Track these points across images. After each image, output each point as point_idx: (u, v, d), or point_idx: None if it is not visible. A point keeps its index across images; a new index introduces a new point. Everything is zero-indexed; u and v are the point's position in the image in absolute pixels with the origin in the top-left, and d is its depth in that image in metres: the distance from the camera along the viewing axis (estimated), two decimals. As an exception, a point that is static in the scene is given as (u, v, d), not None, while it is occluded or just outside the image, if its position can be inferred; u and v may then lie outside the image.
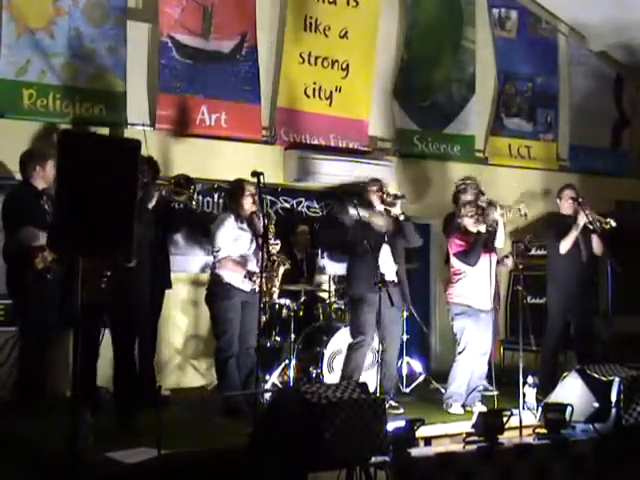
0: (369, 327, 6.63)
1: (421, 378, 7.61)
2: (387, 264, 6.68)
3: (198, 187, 7.59)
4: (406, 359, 7.53)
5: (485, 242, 6.80)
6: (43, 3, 7.05)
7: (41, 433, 5.28)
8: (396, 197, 6.82)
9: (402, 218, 6.75)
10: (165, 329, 6.95)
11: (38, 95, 7.00)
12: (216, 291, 6.50)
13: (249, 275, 6.41)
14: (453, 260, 6.88)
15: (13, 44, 6.90)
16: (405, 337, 7.49)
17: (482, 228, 6.77)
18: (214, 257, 6.53)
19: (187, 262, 7.56)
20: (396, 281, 6.72)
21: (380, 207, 6.80)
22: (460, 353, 6.80)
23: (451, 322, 6.92)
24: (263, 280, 5.97)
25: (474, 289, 6.79)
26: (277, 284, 6.69)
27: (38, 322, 6.15)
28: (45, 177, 6.31)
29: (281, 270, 6.72)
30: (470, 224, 6.83)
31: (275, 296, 6.74)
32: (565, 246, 7.18)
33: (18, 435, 5.41)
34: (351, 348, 6.73)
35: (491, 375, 6.87)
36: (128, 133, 7.19)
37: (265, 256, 6.05)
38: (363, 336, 6.65)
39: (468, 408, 6.72)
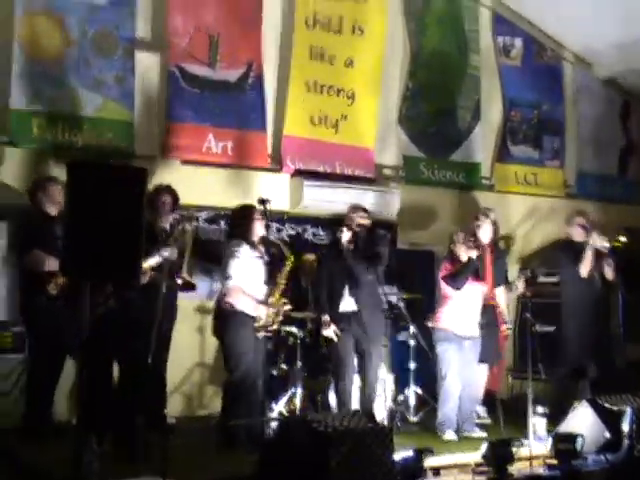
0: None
1: (428, 407, 7.59)
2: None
3: (203, 214, 7.75)
4: (413, 388, 7.52)
5: (476, 271, 6.91)
6: (53, 34, 7.16)
7: (47, 460, 5.28)
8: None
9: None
10: (170, 356, 6.93)
11: (47, 124, 7.09)
12: (228, 321, 6.33)
13: (257, 306, 6.32)
14: (441, 284, 7.04)
15: (24, 74, 7.01)
16: (412, 365, 7.51)
17: (473, 254, 6.86)
18: (224, 285, 6.43)
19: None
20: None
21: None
22: (443, 379, 6.91)
23: (435, 347, 7.04)
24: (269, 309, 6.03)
25: (459, 315, 6.91)
26: (277, 322, 6.50)
27: (49, 348, 6.21)
28: (55, 203, 6.38)
29: (285, 307, 6.56)
30: (462, 250, 6.97)
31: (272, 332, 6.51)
32: (585, 268, 7.24)
33: (24, 461, 5.41)
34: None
35: (491, 403, 6.90)
36: (136, 162, 7.23)
37: (274, 285, 6.11)
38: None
39: (466, 434, 6.77)
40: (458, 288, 6.88)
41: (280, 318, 6.46)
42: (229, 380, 6.35)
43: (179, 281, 6.63)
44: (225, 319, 6.38)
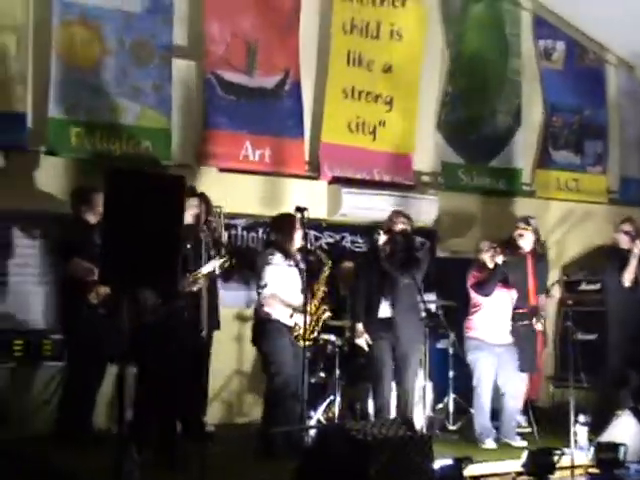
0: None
1: (468, 415, 7.56)
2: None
3: (242, 222, 7.83)
4: (452, 396, 7.52)
5: (505, 277, 6.96)
6: (90, 43, 7.25)
7: (87, 469, 5.36)
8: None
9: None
10: (211, 364, 6.98)
11: (86, 133, 7.18)
12: (265, 330, 6.42)
13: (293, 315, 6.38)
14: (470, 292, 7.09)
15: (62, 83, 7.10)
16: (451, 373, 7.53)
17: (499, 260, 6.87)
18: (259, 294, 6.52)
19: (231, 297, 7.60)
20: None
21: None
22: (474, 388, 6.98)
23: (466, 356, 7.09)
24: (306, 318, 6.09)
25: (489, 323, 6.96)
26: (317, 329, 6.57)
27: (89, 357, 6.32)
28: (95, 211, 6.49)
29: (324, 316, 6.65)
30: (487, 258, 7.02)
31: (311, 341, 6.53)
32: (629, 277, 7.24)
33: (64, 470, 5.49)
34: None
35: (529, 412, 6.89)
36: (173, 170, 7.31)
37: (310, 295, 6.16)
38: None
39: (507, 441, 6.77)
40: (487, 295, 6.95)
41: (319, 326, 6.52)
42: (269, 388, 6.42)
43: None
44: (262, 328, 6.48)
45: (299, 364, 6.23)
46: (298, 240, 6.51)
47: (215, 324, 6.81)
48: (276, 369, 6.33)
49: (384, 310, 6.77)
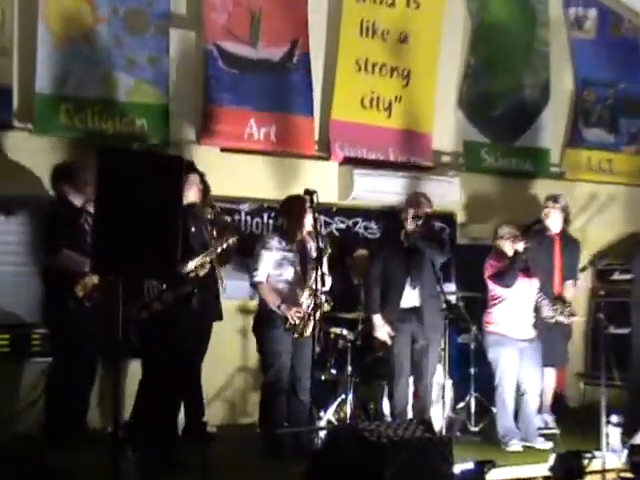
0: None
1: (490, 415, 7.57)
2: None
3: (245, 207, 7.83)
4: (473, 394, 7.51)
5: (525, 265, 6.92)
6: (81, 11, 7.22)
7: (82, 469, 5.38)
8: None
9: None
10: (211, 360, 7.01)
11: (76, 110, 7.17)
12: (261, 319, 6.56)
13: (281, 306, 6.39)
14: (488, 284, 7.05)
15: (50, 56, 7.08)
16: (473, 370, 7.52)
17: (520, 247, 6.83)
18: (250, 280, 6.59)
19: (234, 288, 7.43)
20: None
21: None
22: (496, 387, 6.97)
23: (486, 352, 7.08)
24: (306, 312, 6.19)
25: (511, 316, 6.94)
26: (311, 323, 6.39)
27: (77, 354, 6.35)
28: (81, 192, 6.50)
29: (323, 308, 6.55)
30: (506, 245, 6.97)
31: (308, 333, 6.41)
32: None
33: (59, 470, 5.51)
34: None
35: (557, 410, 6.89)
36: (172, 149, 7.34)
37: (317, 285, 6.10)
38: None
39: (529, 444, 6.81)
40: (508, 286, 6.90)
41: (314, 319, 6.41)
42: (263, 381, 6.58)
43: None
44: (258, 316, 6.64)
45: (302, 358, 6.33)
46: (307, 224, 6.54)
47: (217, 314, 6.82)
48: (267, 360, 6.48)
49: (410, 299, 6.78)
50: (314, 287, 6.21)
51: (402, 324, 6.76)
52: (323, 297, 6.49)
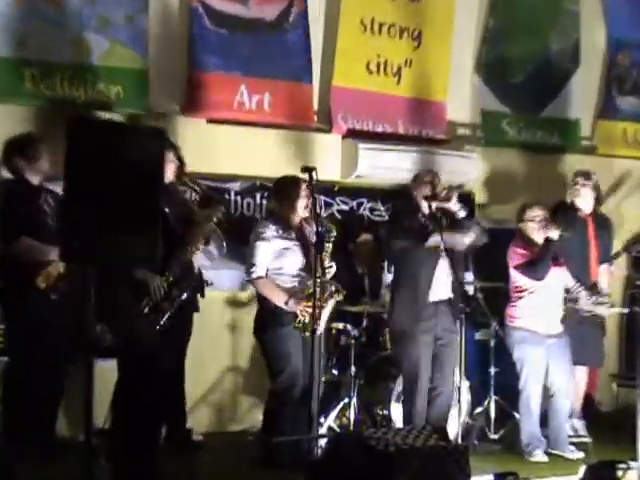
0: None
1: (513, 421, 7.58)
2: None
3: (235, 186, 7.80)
4: (494, 398, 7.52)
5: (555, 253, 6.89)
6: (47, -37, 7.18)
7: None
8: (450, 189, 6.76)
9: (461, 215, 6.72)
10: (196, 359, 7.02)
11: (42, 75, 7.12)
12: (264, 319, 6.50)
13: (289, 301, 6.35)
14: (513, 274, 7.00)
15: (11, 15, 7.00)
16: (493, 370, 7.53)
17: (553, 235, 6.79)
18: (247, 276, 6.57)
19: (221, 277, 7.56)
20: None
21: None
22: (522, 389, 6.95)
23: (510, 350, 7.05)
24: (310, 308, 6.12)
25: (539, 310, 6.90)
26: (324, 318, 6.45)
27: (38, 352, 6.24)
28: (38, 168, 6.40)
29: (332, 302, 6.56)
30: (535, 231, 6.92)
31: (318, 332, 6.30)
32: None
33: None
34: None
35: (588, 415, 6.90)
36: (152, 120, 7.28)
37: (318, 274, 6.08)
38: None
39: (559, 453, 6.83)
40: (539, 279, 6.85)
41: (327, 313, 6.47)
42: (271, 389, 6.50)
43: None
44: (262, 315, 6.55)
45: (311, 360, 6.20)
46: (302, 209, 6.53)
47: (194, 306, 6.78)
48: (277, 366, 6.39)
49: (439, 290, 6.67)
50: (322, 277, 6.22)
51: (429, 321, 6.66)
52: (333, 287, 6.50)
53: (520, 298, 7.02)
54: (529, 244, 6.99)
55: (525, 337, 6.95)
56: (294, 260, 6.48)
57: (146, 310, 5.89)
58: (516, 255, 6.98)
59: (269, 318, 6.45)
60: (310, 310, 6.22)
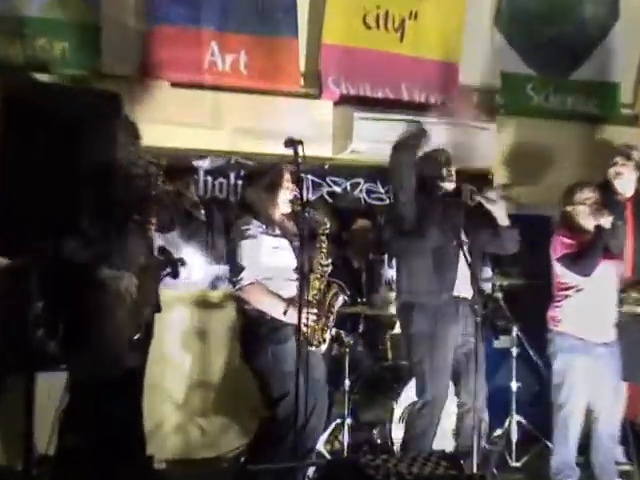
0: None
1: (538, 446, 7.61)
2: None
3: (205, 163, 7.84)
4: (516, 418, 7.55)
5: (606, 244, 6.83)
6: None
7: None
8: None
9: (504, 224, 6.76)
10: (158, 373, 7.03)
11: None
12: (255, 334, 6.37)
13: (289, 310, 6.24)
14: (557, 268, 6.94)
15: None
16: (515, 385, 7.55)
17: (605, 222, 6.78)
18: (235, 284, 6.43)
19: (186, 274, 7.49)
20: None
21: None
22: (561, 407, 6.87)
23: (551, 360, 7.00)
24: (307, 314, 6.05)
25: (588, 313, 6.82)
26: (331, 324, 6.44)
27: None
28: None
29: (339, 302, 6.53)
30: (585, 216, 6.88)
31: (325, 345, 6.35)
32: None
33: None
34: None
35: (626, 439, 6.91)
36: (104, 83, 7.21)
37: (318, 274, 6.15)
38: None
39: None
40: (587, 274, 6.79)
41: (333, 318, 6.45)
42: (272, 416, 6.34)
43: None
44: (250, 332, 6.43)
45: (315, 379, 6.20)
46: (285, 203, 6.46)
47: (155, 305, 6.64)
48: (277, 390, 6.26)
49: (461, 286, 6.64)
50: (323, 277, 6.26)
51: (449, 323, 6.62)
52: (335, 288, 6.47)
53: (565, 297, 6.92)
54: (577, 232, 6.89)
55: (571, 346, 6.84)
56: (286, 261, 6.38)
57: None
58: (561, 245, 6.88)
59: (262, 333, 6.33)
60: (315, 318, 6.24)
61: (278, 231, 6.41)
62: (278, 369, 6.25)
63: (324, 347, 6.29)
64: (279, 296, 6.28)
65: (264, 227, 6.37)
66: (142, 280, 6.05)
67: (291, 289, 6.28)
